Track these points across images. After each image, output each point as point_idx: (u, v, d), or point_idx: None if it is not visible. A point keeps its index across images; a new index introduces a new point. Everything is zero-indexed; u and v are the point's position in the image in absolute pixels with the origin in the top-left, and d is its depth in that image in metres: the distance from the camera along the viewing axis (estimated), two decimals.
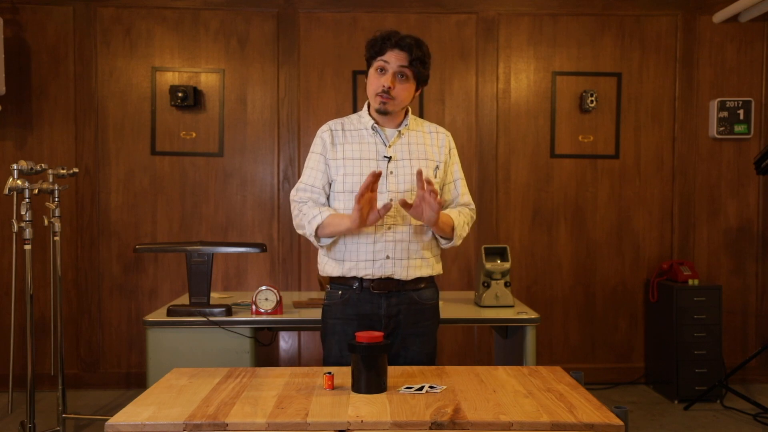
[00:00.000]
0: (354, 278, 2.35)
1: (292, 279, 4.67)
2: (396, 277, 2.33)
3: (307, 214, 2.33)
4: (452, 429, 1.66)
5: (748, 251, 4.82)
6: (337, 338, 2.36)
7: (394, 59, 2.29)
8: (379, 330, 2.32)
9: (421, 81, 2.36)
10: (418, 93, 2.41)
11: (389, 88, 2.28)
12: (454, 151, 2.49)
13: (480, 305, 3.32)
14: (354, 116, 2.46)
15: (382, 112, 2.33)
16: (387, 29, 2.34)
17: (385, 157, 2.34)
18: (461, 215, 2.42)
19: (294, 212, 2.41)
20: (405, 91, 2.32)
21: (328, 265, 2.40)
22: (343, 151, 2.36)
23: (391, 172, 2.33)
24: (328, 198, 2.40)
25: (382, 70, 2.31)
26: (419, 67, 2.30)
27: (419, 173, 2.18)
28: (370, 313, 2.35)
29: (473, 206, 2.52)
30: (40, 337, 4.43)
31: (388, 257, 2.32)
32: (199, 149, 4.66)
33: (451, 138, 2.50)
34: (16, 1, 4.55)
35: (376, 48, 2.31)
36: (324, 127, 2.43)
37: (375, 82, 2.32)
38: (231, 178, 4.69)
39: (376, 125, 2.37)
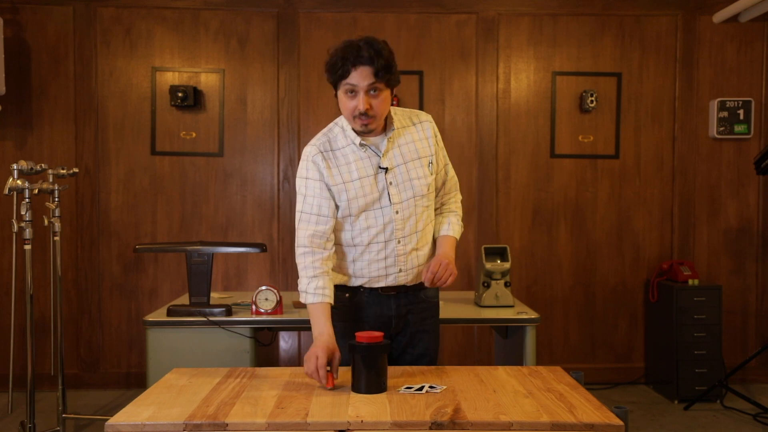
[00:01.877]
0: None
1: (292, 279, 4.67)
2: (407, 284, 2.33)
3: (301, 280, 2.22)
4: (452, 429, 1.66)
5: (748, 251, 4.82)
6: (347, 341, 2.32)
7: (360, 79, 2.12)
8: (389, 330, 2.32)
9: (393, 85, 2.22)
10: (394, 95, 2.31)
11: (367, 109, 2.15)
12: (439, 137, 2.39)
13: (480, 305, 3.32)
14: (337, 130, 2.28)
15: (366, 133, 2.23)
16: (340, 45, 2.18)
17: (381, 168, 2.25)
18: (456, 218, 2.42)
19: (296, 252, 2.26)
20: (382, 104, 2.18)
21: (336, 278, 2.32)
22: (341, 174, 2.23)
23: (391, 183, 2.25)
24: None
25: (352, 92, 2.16)
26: (387, 76, 2.14)
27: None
28: (381, 314, 2.33)
29: (458, 185, 2.48)
30: (40, 337, 4.43)
31: (400, 270, 2.29)
32: (199, 149, 4.66)
33: (433, 122, 2.38)
34: (16, 1, 4.55)
35: (338, 72, 2.16)
36: (312, 150, 2.26)
37: (349, 105, 2.17)
38: (231, 178, 4.68)
39: (363, 142, 2.24)
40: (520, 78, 4.74)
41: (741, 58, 4.77)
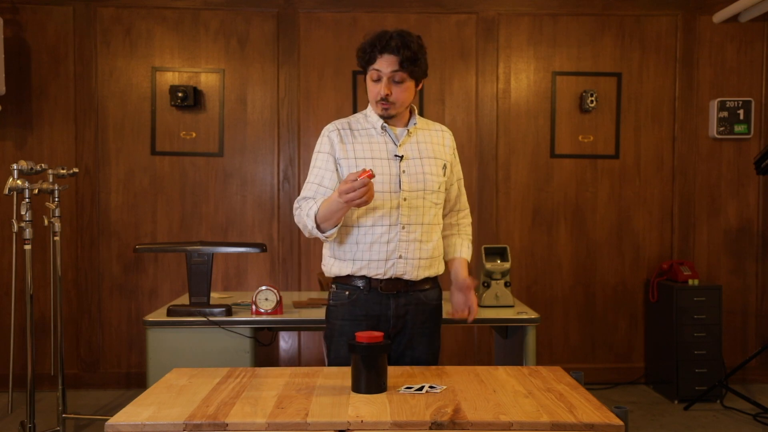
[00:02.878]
0: (361, 278, 2.33)
1: (292, 279, 4.67)
2: (406, 277, 2.33)
3: (303, 208, 2.29)
4: (452, 429, 1.66)
5: (748, 251, 4.82)
6: (346, 339, 2.31)
7: (385, 65, 2.25)
8: (387, 330, 2.32)
9: (418, 76, 2.32)
10: (420, 87, 2.39)
11: (387, 95, 2.26)
12: (457, 152, 2.53)
13: (480, 305, 3.31)
14: (359, 115, 2.43)
15: (386, 118, 2.34)
16: (375, 32, 2.31)
17: (396, 156, 2.33)
18: (470, 242, 2.57)
19: (296, 218, 2.34)
20: (404, 93, 2.29)
21: (335, 266, 2.36)
22: (354, 150, 2.32)
23: (404, 171, 2.32)
24: None
25: (377, 78, 2.28)
26: (411, 67, 2.26)
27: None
28: (379, 313, 2.34)
29: (468, 208, 2.59)
30: (40, 337, 4.43)
31: (400, 257, 2.31)
32: (199, 149, 4.66)
33: (453, 138, 2.53)
34: (16, 1, 4.55)
35: (366, 57, 2.28)
36: (330, 126, 2.39)
37: (373, 90, 2.30)
38: (231, 178, 4.69)
39: (385, 125, 2.35)
40: (520, 78, 4.74)
41: (741, 58, 4.77)
